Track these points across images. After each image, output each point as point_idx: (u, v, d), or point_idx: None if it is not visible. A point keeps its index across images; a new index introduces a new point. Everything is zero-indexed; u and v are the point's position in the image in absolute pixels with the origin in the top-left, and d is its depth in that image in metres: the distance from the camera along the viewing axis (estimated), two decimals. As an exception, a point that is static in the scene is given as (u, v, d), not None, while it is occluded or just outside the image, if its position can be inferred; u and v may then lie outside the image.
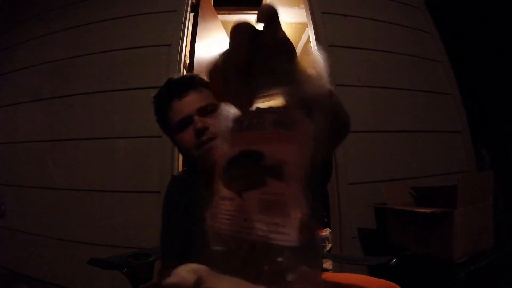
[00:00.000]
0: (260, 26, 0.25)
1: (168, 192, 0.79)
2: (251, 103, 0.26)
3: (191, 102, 0.67)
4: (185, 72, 1.57)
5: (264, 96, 0.27)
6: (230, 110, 0.29)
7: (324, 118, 0.32)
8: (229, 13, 2.61)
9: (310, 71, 0.27)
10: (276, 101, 0.27)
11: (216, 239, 0.28)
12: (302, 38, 3.07)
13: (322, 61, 0.28)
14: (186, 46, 1.58)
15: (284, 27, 2.47)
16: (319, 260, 0.80)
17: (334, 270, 1.36)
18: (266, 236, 0.25)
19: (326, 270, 1.47)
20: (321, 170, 0.60)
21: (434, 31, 1.78)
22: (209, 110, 0.66)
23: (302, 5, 2.34)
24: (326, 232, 1.90)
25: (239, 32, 0.24)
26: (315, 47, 1.58)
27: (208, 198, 0.64)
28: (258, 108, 0.27)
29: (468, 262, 0.97)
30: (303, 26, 2.77)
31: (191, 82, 0.70)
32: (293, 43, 0.25)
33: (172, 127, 0.69)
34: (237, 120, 0.28)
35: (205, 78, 0.68)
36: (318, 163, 0.50)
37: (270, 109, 0.26)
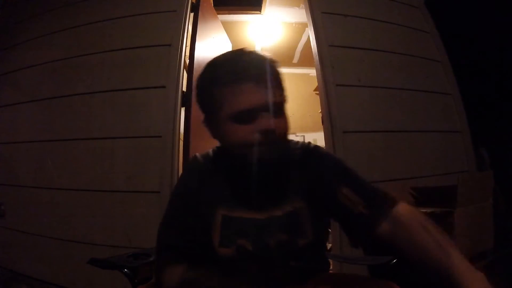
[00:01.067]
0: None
1: (185, 179, 0.69)
2: None
3: (266, 93, 0.54)
4: (185, 72, 1.57)
5: None
6: None
7: None
8: (229, 13, 2.61)
9: None
10: None
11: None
12: (302, 38, 3.08)
13: None
14: (186, 46, 1.58)
15: (284, 27, 2.49)
16: (327, 261, 0.80)
17: (334, 270, 1.36)
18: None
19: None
20: None
21: (434, 31, 1.79)
22: (278, 108, 0.56)
23: (302, 5, 2.35)
24: (326, 232, 1.90)
25: None
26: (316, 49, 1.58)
27: (229, 198, 0.62)
28: None
29: (468, 262, 0.97)
30: (303, 26, 2.77)
31: (273, 67, 0.57)
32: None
33: (229, 112, 0.54)
34: None
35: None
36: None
37: None
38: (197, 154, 0.70)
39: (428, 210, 0.98)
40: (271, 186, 0.62)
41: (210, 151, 0.70)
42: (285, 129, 0.58)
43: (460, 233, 0.97)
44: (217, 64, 0.60)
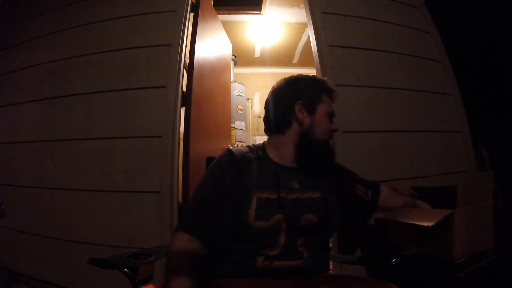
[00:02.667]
0: None
1: (222, 168, 0.78)
2: None
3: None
4: (185, 72, 1.57)
5: None
6: None
7: None
8: (229, 13, 2.61)
9: None
10: None
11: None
12: (302, 38, 3.08)
13: None
14: (186, 46, 1.58)
15: (284, 27, 2.49)
16: (327, 263, 0.83)
17: (334, 270, 1.36)
18: None
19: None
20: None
21: (434, 31, 1.78)
22: None
23: (302, 5, 2.35)
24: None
25: None
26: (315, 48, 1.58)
27: (266, 184, 0.79)
28: None
29: (468, 262, 0.97)
30: (303, 26, 2.77)
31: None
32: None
33: (327, 111, 0.86)
34: None
35: None
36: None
37: None
38: (231, 148, 0.84)
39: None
40: (317, 171, 0.84)
41: (246, 147, 0.87)
42: None
43: (460, 233, 0.97)
44: (323, 80, 0.92)
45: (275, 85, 0.92)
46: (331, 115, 0.87)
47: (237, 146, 2.73)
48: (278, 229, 0.72)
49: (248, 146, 0.87)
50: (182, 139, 1.45)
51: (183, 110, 1.47)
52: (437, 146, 1.57)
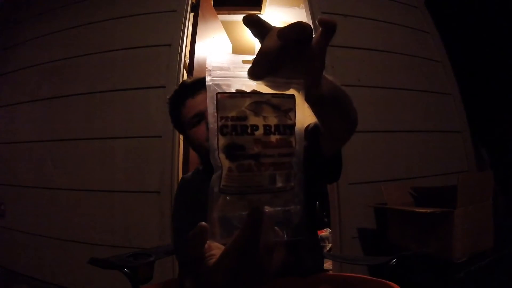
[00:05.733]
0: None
1: (179, 196, 0.83)
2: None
3: (203, 99, 0.73)
4: (185, 73, 1.57)
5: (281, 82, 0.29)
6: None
7: (331, 107, 0.39)
8: (229, 13, 2.61)
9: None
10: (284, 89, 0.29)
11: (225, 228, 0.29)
12: (302, 38, 3.08)
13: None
14: (186, 46, 1.58)
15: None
16: (321, 261, 0.81)
17: (334, 270, 1.36)
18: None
19: (326, 270, 1.47)
20: (331, 165, 0.66)
21: (434, 31, 1.78)
22: None
23: (302, 5, 2.34)
24: (326, 232, 1.90)
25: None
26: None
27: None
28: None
29: (468, 262, 0.97)
30: (303, 26, 2.77)
31: (203, 83, 0.74)
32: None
33: (185, 123, 0.76)
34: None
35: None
36: (327, 157, 0.54)
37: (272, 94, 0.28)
38: (184, 175, 0.85)
39: (428, 210, 0.98)
40: None
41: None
42: None
43: (460, 233, 0.97)
44: (170, 96, 0.85)
45: None
46: (193, 120, 0.76)
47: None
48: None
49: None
50: (182, 139, 1.45)
51: (183, 110, 1.47)
52: (437, 146, 1.57)
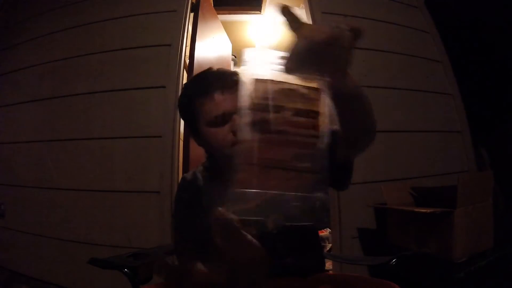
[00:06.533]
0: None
1: (180, 195, 0.80)
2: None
3: (233, 99, 0.64)
4: (185, 73, 1.57)
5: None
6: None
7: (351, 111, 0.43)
8: (229, 13, 2.61)
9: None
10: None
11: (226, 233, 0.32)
12: (302, 38, 3.08)
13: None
14: (186, 46, 1.58)
15: (284, 27, 2.47)
16: (322, 261, 0.81)
17: (334, 270, 1.36)
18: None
19: (327, 270, 1.47)
20: (341, 173, 0.59)
21: (434, 31, 1.78)
22: None
23: (302, 5, 2.34)
24: (326, 232, 1.90)
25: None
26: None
27: (224, 196, 0.70)
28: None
29: (468, 262, 0.97)
30: (303, 26, 2.77)
31: (232, 79, 0.68)
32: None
33: (205, 118, 0.67)
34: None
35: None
36: (339, 163, 0.55)
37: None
38: (185, 174, 0.82)
39: (428, 210, 0.98)
40: None
41: (204, 165, 0.81)
42: None
43: (460, 233, 0.97)
44: (191, 82, 0.80)
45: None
46: (217, 119, 0.67)
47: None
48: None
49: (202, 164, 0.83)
50: (182, 139, 1.45)
51: (183, 110, 1.47)
52: (437, 146, 1.57)
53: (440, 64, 1.72)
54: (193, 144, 1.43)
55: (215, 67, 0.74)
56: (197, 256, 0.67)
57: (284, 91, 0.31)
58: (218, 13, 2.17)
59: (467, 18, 1.90)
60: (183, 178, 0.83)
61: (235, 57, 3.22)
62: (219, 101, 0.66)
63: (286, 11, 0.34)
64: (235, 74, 0.70)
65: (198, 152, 1.48)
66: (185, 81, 1.55)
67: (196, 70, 1.53)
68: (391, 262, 0.73)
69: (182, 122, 1.46)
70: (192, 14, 1.67)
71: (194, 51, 1.54)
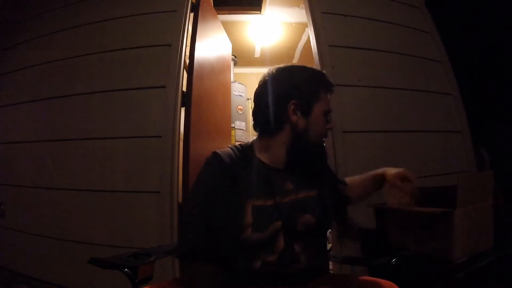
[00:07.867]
0: None
1: (216, 180, 0.70)
2: None
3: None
4: (185, 72, 1.57)
5: None
6: None
7: None
8: (229, 13, 2.61)
9: None
10: None
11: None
12: (302, 38, 3.07)
13: None
14: (186, 46, 1.58)
15: (284, 27, 2.48)
16: (326, 261, 0.82)
17: (334, 270, 1.36)
18: None
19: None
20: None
21: (434, 31, 1.78)
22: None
23: (302, 5, 2.34)
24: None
25: None
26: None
27: (260, 189, 0.75)
28: None
29: (468, 262, 0.97)
30: (303, 26, 2.77)
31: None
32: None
33: (323, 109, 0.79)
34: None
35: None
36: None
37: None
38: (218, 151, 0.74)
39: (428, 210, 0.98)
40: (311, 171, 0.81)
41: (234, 148, 0.77)
42: None
43: (460, 233, 0.97)
44: (321, 73, 0.85)
45: (266, 75, 0.80)
46: (327, 113, 0.80)
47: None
48: (275, 236, 0.69)
49: (235, 147, 0.78)
50: (182, 139, 1.45)
51: (183, 110, 1.47)
52: (437, 146, 1.57)
53: (440, 64, 1.72)
54: (193, 144, 1.43)
55: None
56: (222, 262, 0.65)
57: None
58: (218, 13, 2.17)
59: (467, 18, 1.90)
60: (218, 155, 0.72)
61: (235, 57, 3.22)
62: (328, 101, 0.82)
63: None
64: None
65: (198, 152, 1.48)
66: (185, 81, 1.55)
67: (196, 70, 1.53)
68: (391, 262, 0.73)
69: (182, 122, 1.46)
70: (192, 14, 1.67)
71: (194, 51, 1.54)
